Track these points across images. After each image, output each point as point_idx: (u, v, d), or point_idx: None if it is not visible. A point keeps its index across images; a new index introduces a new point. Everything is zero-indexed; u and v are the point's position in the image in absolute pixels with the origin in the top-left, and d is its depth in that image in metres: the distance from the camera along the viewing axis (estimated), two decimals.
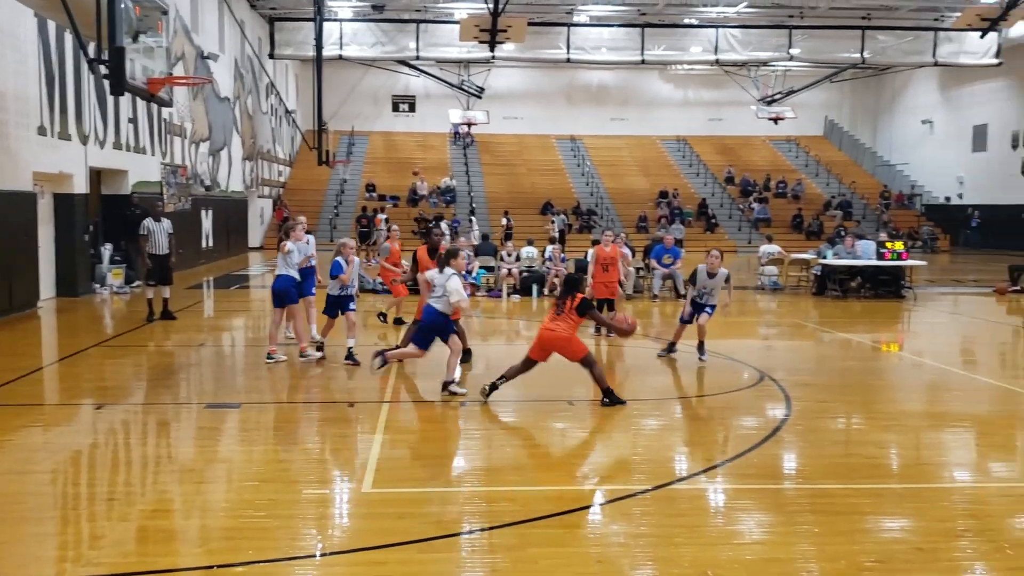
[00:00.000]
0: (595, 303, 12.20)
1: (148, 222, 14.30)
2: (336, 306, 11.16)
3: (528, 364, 8.89)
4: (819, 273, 19.85)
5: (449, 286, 9.04)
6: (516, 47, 30.05)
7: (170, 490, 6.26)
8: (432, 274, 9.49)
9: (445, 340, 9.36)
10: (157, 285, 14.41)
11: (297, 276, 11.26)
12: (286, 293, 11.05)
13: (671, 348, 11.77)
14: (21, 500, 5.97)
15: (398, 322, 14.26)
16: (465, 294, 9.22)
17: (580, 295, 8.76)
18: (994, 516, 5.87)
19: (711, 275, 11.14)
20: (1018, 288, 20.70)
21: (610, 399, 8.75)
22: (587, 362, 8.75)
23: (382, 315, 14.50)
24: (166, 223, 14.51)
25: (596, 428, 8.25)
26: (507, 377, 8.86)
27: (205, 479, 6.45)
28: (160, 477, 6.58)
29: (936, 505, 6.06)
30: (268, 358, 10.87)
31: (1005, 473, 7.04)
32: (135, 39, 12.29)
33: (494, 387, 8.83)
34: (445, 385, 9.20)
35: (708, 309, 11.35)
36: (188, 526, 5.63)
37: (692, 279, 11.41)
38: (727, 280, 11.28)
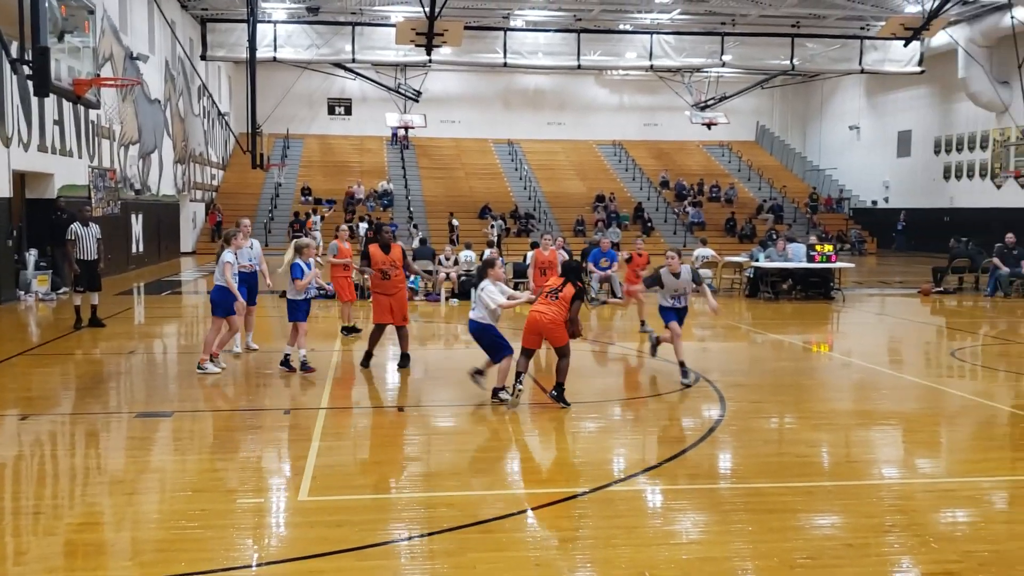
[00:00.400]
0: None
1: (75, 227, 13.93)
2: (300, 311, 10.70)
3: (528, 354, 9.03)
4: (752, 276, 20.23)
5: (483, 297, 9.02)
6: (453, 51, 30.03)
7: (99, 502, 6.10)
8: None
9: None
10: (85, 291, 14.05)
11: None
12: (222, 303, 10.64)
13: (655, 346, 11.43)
14: None
15: (349, 331, 13.68)
16: (502, 298, 9.13)
17: (580, 284, 8.95)
18: (920, 511, 6.04)
19: (676, 275, 10.60)
20: (941, 289, 21.36)
21: (558, 394, 8.83)
22: (565, 352, 8.89)
23: (345, 329, 13.77)
24: (94, 228, 14.15)
25: (535, 431, 8.28)
26: (520, 373, 8.88)
27: (136, 490, 6.30)
28: (89, 489, 6.40)
29: (865, 501, 6.21)
30: (199, 368, 10.51)
31: (930, 469, 7.26)
32: (60, 39, 11.99)
33: (517, 388, 8.81)
34: (495, 392, 8.99)
35: (682, 312, 10.71)
36: (118, 539, 5.49)
37: (656, 282, 10.64)
38: (697, 278, 10.54)
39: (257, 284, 11.93)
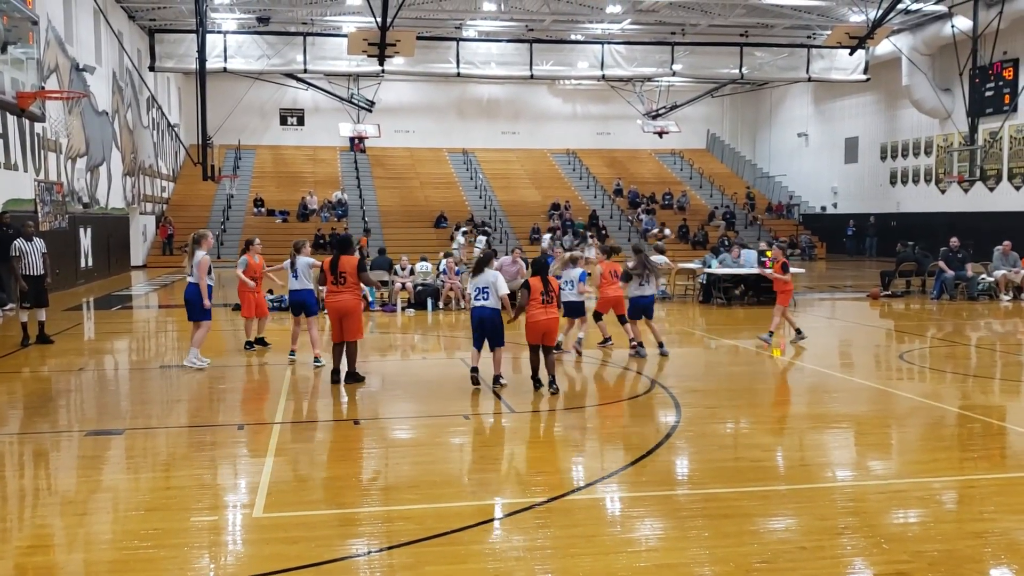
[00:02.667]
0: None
1: (20, 242, 13.69)
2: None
3: (536, 351, 10.14)
4: (704, 282, 20.45)
5: (500, 286, 10.12)
6: (406, 61, 30.03)
7: (49, 524, 5.97)
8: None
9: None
10: (32, 308, 13.79)
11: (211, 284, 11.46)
12: (198, 304, 11.34)
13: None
14: None
15: (254, 344, 13.40)
16: (506, 288, 10.32)
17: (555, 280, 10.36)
18: (871, 513, 6.14)
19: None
20: (889, 293, 21.78)
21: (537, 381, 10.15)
22: (556, 346, 10.63)
23: (249, 344, 13.50)
24: (39, 243, 13.91)
25: (492, 442, 8.28)
26: (535, 371, 10.15)
27: (87, 510, 6.18)
28: (38, 511, 6.27)
29: (818, 504, 6.31)
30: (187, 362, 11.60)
31: (881, 471, 7.38)
32: (3, 50, 11.77)
33: (538, 383, 10.11)
34: (496, 379, 10.22)
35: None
36: (69, 561, 5.37)
37: (643, 266, 12.78)
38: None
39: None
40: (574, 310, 12.69)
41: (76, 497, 6.46)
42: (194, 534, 5.71)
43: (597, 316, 13.35)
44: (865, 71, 34.31)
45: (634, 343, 12.76)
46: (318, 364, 11.71)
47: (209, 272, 11.44)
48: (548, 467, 7.33)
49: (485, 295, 10.13)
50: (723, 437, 8.42)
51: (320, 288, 11.38)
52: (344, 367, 10.61)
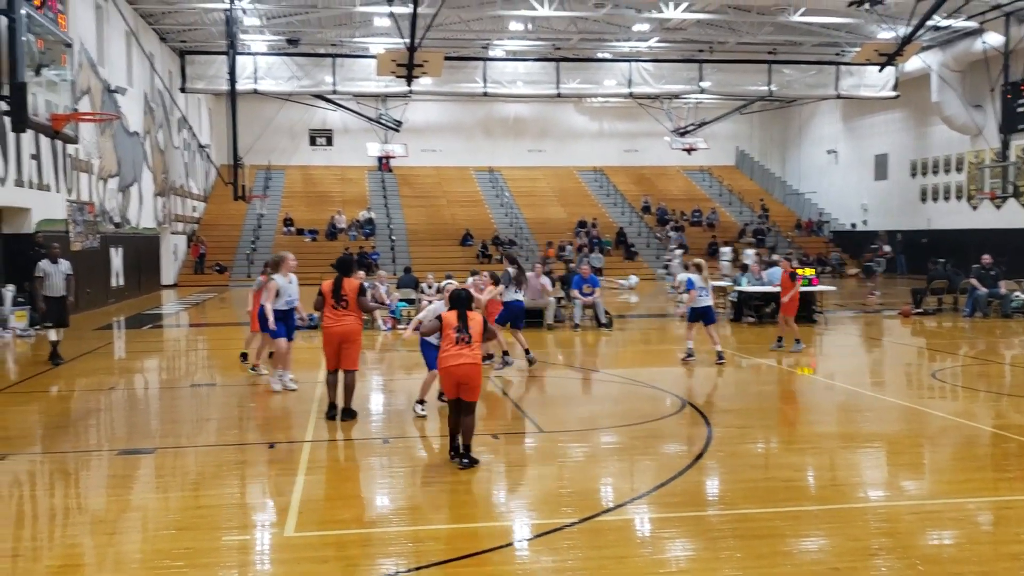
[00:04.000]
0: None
1: (44, 264, 14.02)
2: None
3: (453, 408, 7.93)
4: (735, 300, 20.30)
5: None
6: (433, 81, 30.24)
7: (80, 543, 6.00)
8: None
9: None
10: (53, 327, 14.06)
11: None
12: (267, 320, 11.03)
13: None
14: None
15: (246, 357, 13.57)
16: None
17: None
18: (906, 534, 6.04)
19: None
20: (921, 310, 21.51)
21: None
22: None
23: (245, 355, 13.61)
24: (64, 264, 14.20)
25: (521, 462, 8.25)
26: (452, 436, 7.99)
27: (118, 530, 6.21)
28: (69, 530, 6.31)
29: (851, 525, 6.21)
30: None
31: (915, 491, 7.27)
32: (37, 72, 11.95)
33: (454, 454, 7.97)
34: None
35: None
36: None
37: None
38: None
39: (294, 320, 11.75)
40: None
41: (107, 516, 6.50)
42: (225, 553, 5.72)
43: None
44: (895, 88, 34.08)
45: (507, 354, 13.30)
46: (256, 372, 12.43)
47: (277, 295, 11.04)
48: (578, 487, 7.27)
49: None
50: (754, 457, 8.33)
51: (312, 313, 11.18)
52: (340, 401, 9.78)
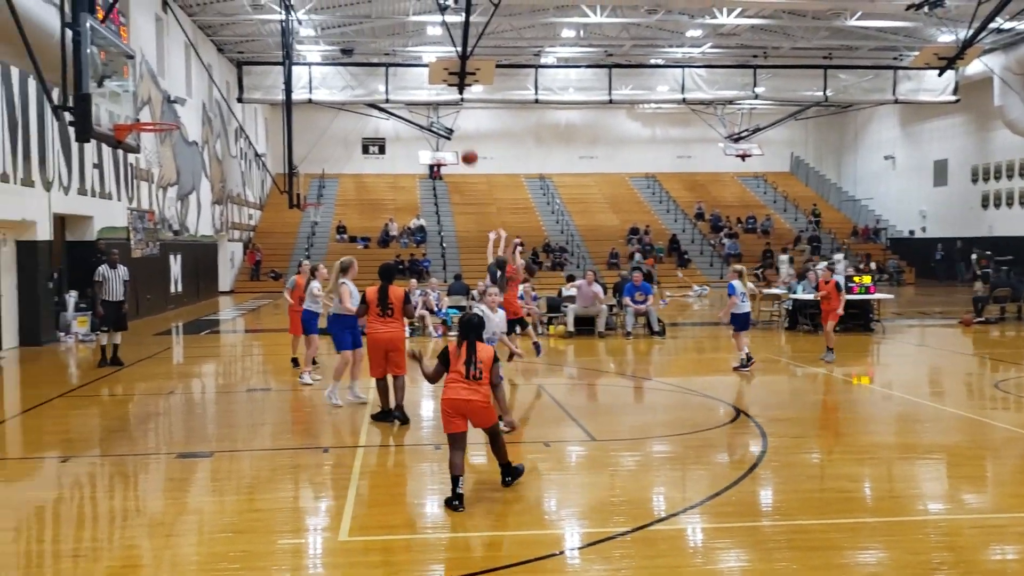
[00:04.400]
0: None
1: (103, 269, 14.48)
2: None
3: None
4: (790, 308, 20.01)
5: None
6: (485, 89, 30.36)
7: (139, 545, 6.12)
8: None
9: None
10: (111, 331, 14.50)
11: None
12: (338, 335, 10.89)
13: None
14: None
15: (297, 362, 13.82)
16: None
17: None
18: (968, 548, 5.89)
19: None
20: (982, 319, 20.98)
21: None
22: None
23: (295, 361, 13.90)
24: (122, 270, 14.62)
25: (573, 469, 8.21)
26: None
27: (175, 532, 6.32)
28: (128, 531, 6.43)
29: (910, 538, 6.07)
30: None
31: (977, 504, 7.08)
32: (100, 84, 12.22)
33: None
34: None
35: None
36: None
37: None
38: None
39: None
40: None
41: (164, 519, 6.61)
42: (280, 557, 5.79)
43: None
44: (955, 92, 33.36)
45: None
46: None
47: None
48: (630, 496, 7.22)
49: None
50: (810, 467, 8.19)
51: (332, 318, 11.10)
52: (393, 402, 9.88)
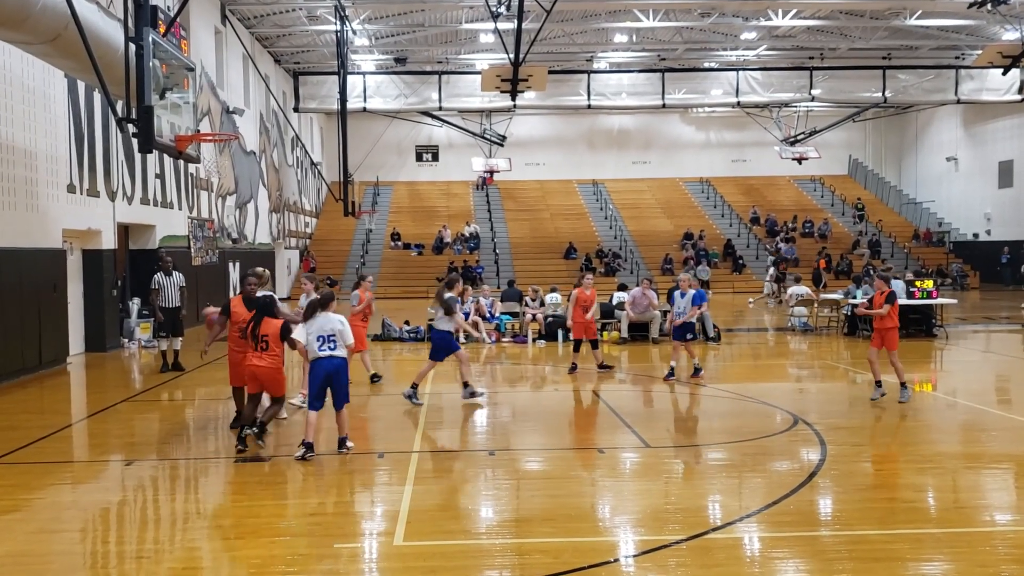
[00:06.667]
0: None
1: (158, 276, 14.89)
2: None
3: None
4: (849, 313, 19.66)
5: (345, 332, 8.74)
6: (537, 95, 30.39)
7: (200, 547, 6.23)
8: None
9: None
10: (169, 337, 14.88)
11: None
12: (444, 346, 11.57)
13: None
14: (50, 560, 5.96)
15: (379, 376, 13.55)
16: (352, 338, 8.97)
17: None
18: None
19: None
20: None
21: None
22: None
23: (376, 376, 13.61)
24: (177, 276, 15.01)
25: (628, 476, 8.16)
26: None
27: (235, 535, 6.42)
28: (189, 534, 6.56)
29: (977, 550, 5.91)
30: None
31: None
32: (162, 96, 12.50)
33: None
34: (342, 442, 8.87)
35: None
36: None
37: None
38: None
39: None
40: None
41: (224, 521, 6.72)
42: (337, 560, 5.84)
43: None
44: (1020, 91, 32.45)
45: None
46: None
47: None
48: (685, 504, 7.14)
49: (331, 344, 8.64)
50: (871, 476, 8.03)
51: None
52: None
